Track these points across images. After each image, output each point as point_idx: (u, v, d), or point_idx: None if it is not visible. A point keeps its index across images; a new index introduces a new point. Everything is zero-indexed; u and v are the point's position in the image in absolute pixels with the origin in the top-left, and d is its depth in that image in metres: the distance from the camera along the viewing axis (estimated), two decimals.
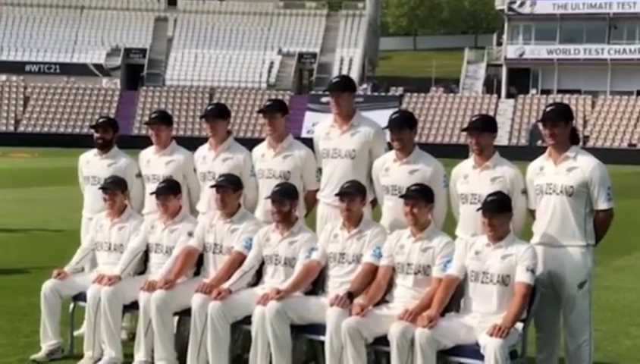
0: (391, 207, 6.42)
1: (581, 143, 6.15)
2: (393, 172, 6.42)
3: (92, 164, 7.68)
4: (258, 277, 6.62)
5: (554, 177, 5.97)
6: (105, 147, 7.62)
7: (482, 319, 5.73)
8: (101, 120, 7.77)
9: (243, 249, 6.59)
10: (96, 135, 7.63)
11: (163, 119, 7.54)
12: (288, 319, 6.05)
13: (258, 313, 6.08)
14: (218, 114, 7.16)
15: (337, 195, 6.34)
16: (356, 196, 6.26)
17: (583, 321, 5.98)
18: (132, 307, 6.76)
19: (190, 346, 6.39)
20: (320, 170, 6.95)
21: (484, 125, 6.19)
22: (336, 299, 5.91)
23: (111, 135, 7.64)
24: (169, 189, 6.96)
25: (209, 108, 7.26)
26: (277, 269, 6.47)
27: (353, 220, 6.28)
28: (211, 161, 7.15)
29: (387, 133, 6.53)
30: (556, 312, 6.09)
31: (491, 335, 5.49)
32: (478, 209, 5.85)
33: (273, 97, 59.19)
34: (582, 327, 5.98)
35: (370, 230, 6.27)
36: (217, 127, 7.12)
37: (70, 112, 59.90)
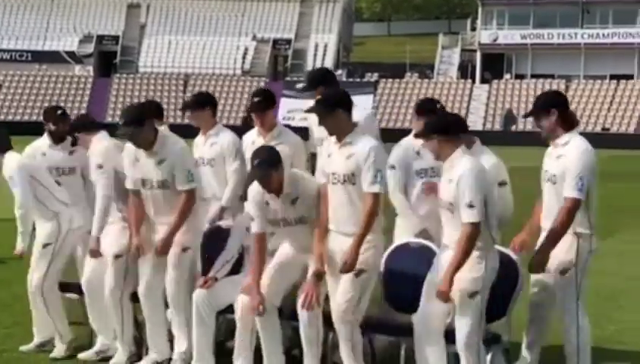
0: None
1: (579, 127, 6.06)
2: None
3: (51, 156, 7.32)
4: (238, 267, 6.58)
5: (549, 164, 6.00)
6: (64, 139, 7.36)
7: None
8: (59, 112, 7.43)
9: None
10: (55, 128, 7.31)
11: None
12: (275, 309, 6.03)
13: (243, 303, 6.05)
14: (193, 105, 7.23)
15: None
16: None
17: (566, 307, 5.94)
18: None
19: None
20: (313, 155, 6.94)
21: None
22: (305, 300, 5.80)
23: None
24: None
25: (186, 100, 7.37)
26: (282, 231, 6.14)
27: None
28: (202, 146, 7.26)
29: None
30: (545, 297, 6.06)
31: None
32: None
33: (248, 83, 59.09)
34: (566, 313, 5.94)
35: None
36: (197, 117, 7.20)
37: (43, 100, 59.19)
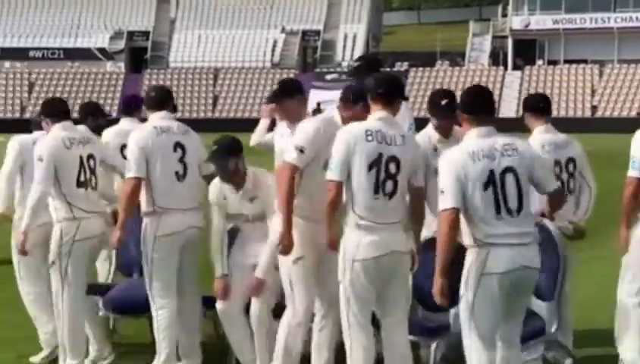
0: None
1: None
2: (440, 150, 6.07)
3: None
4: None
5: None
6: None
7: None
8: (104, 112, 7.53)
9: None
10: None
11: None
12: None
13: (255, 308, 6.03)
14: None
15: None
16: None
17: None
18: None
19: None
20: None
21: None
22: None
23: None
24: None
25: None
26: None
27: None
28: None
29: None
30: None
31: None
32: None
33: (278, 76, 58.89)
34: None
35: None
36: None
37: (75, 97, 59.48)
